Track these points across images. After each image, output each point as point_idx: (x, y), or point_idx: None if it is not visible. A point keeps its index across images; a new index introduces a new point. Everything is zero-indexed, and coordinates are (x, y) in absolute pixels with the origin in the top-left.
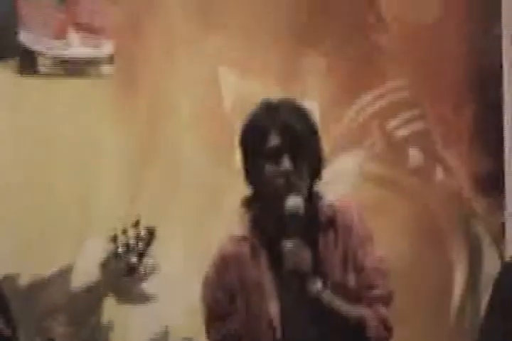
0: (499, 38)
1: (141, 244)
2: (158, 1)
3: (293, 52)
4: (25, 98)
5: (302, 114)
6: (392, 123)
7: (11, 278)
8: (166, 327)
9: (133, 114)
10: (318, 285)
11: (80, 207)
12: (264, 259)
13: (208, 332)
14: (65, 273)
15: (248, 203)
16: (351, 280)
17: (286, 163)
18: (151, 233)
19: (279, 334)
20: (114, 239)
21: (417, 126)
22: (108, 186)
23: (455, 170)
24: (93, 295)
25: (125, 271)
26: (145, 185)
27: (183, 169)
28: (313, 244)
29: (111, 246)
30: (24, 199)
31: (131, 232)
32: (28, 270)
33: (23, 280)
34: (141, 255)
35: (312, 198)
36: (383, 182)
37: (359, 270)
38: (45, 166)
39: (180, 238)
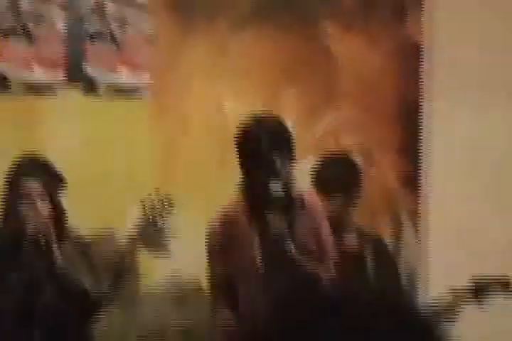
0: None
1: (165, 210)
2: (185, 47)
3: (275, 87)
4: (87, 112)
5: (281, 125)
6: (343, 137)
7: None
8: (180, 272)
9: (162, 125)
10: (291, 246)
11: (127, 184)
12: (254, 222)
13: (208, 268)
14: (113, 231)
15: (242, 185)
16: (312, 245)
17: (268, 161)
18: (171, 202)
19: (262, 276)
20: (147, 205)
21: (360, 140)
22: (146, 171)
23: (385, 170)
24: (131, 249)
25: (153, 231)
26: (171, 171)
27: (200, 160)
28: (286, 215)
29: (144, 211)
30: (91, 179)
31: (159, 201)
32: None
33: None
34: (164, 218)
35: (288, 184)
36: None
37: (318, 239)
38: (104, 159)
39: (196, 205)
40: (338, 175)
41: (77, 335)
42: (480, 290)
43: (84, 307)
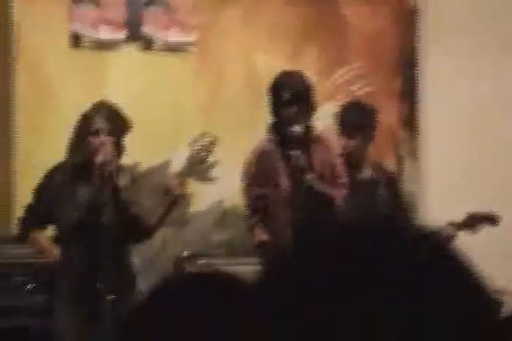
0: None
1: (210, 147)
2: (224, 10)
3: (299, 45)
4: (144, 65)
5: (304, 78)
6: (353, 87)
7: (135, 166)
8: (223, 197)
9: (206, 75)
10: (311, 175)
11: (177, 125)
12: (281, 156)
13: (245, 194)
14: (168, 164)
15: (272, 126)
16: (328, 174)
17: (294, 107)
18: (214, 141)
19: (289, 200)
20: (194, 143)
21: (368, 88)
22: (192, 114)
23: (389, 115)
24: (181, 179)
25: (198, 162)
26: (213, 114)
27: (237, 106)
28: (307, 152)
29: (192, 147)
30: (148, 121)
31: (201, 141)
32: (147, 161)
33: (144, 168)
34: (208, 154)
35: (309, 126)
36: None
37: (331, 168)
38: (157, 104)
39: (234, 142)
40: (358, 118)
41: (125, 256)
42: (473, 224)
43: (137, 230)
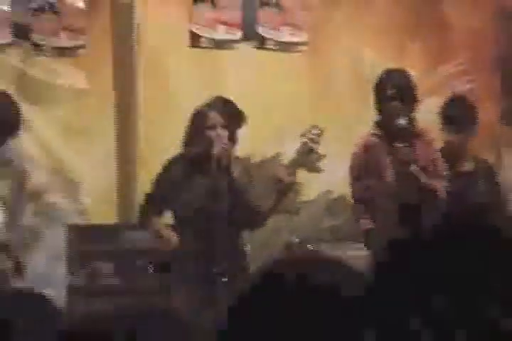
0: None
1: (316, 141)
2: (333, 12)
3: (404, 43)
4: (258, 62)
5: (407, 75)
6: (454, 83)
7: (248, 157)
8: (331, 188)
9: (316, 73)
10: (414, 167)
11: (288, 119)
12: (386, 149)
13: (352, 185)
14: (278, 155)
15: (377, 121)
16: (430, 166)
17: (398, 103)
18: (321, 133)
19: (394, 191)
20: (303, 135)
21: (469, 85)
22: (303, 109)
23: (488, 109)
24: (293, 170)
25: (308, 153)
26: (324, 109)
27: (345, 102)
28: (410, 145)
29: (302, 139)
30: (262, 114)
31: (310, 134)
32: (258, 153)
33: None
34: (316, 146)
35: (412, 121)
36: None
37: (433, 161)
38: (271, 99)
39: (343, 135)
40: (461, 113)
41: (238, 242)
42: None
43: (251, 217)
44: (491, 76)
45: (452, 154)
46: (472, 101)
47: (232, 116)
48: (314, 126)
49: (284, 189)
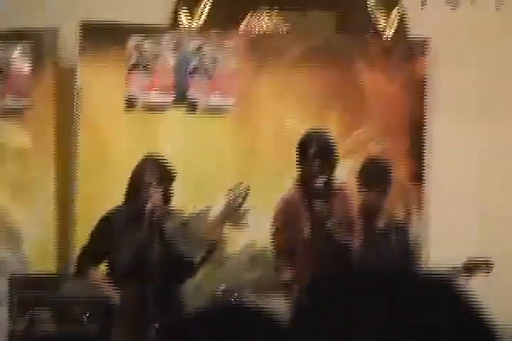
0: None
1: (245, 197)
2: (258, 78)
3: (323, 110)
4: (189, 125)
5: (328, 136)
6: (368, 146)
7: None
8: (254, 240)
9: (243, 135)
10: (330, 223)
11: (216, 177)
12: (305, 205)
13: (273, 238)
14: (207, 210)
15: (298, 178)
16: (345, 223)
17: (318, 162)
18: (248, 190)
19: (310, 244)
20: (230, 192)
21: (382, 147)
22: (230, 168)
23: (399, 170)
24: (219, 225)
25: (235, 209)
26: (249, 168)
27: (270, 161)
28: (328, 202)
29: (230, 198)
30: (191, 174)
31: (237, 190)
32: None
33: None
34: (242, 201)
35: (331, 179)
36: None
37: (349, 218)
38: (200, 159)
39: (264, 194)
40: (377, 174)
41: (173, 292)
42: (470, 269)
43: (182, 269)
44: (401, 139)
45: (368, 212)
46: (387, 162)
47: (164, 173)
48: (240, 183)
49: (214, 243)
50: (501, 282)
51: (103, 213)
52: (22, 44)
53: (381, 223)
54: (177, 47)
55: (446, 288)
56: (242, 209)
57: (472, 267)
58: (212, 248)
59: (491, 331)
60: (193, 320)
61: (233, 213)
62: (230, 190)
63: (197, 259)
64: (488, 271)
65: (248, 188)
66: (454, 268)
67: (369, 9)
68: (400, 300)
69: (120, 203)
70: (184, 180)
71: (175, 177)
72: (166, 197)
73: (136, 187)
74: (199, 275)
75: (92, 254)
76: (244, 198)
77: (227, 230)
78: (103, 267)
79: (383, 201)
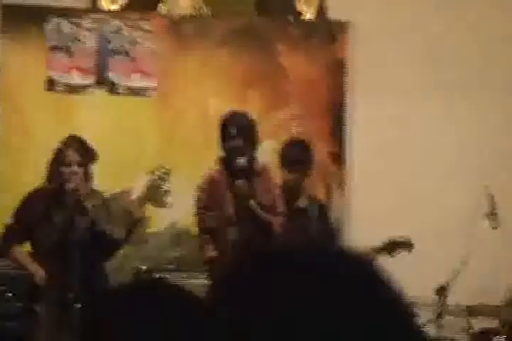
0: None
1: (166, 176)
2: (180, 59)
3: (244, 91)
4: (110, 106)
5: (248, 117)
6: (289, 127)
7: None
8: (177, 219)
9: (164, 116)
10: (252, 202)
11: (137, 158)
12: (227, 184)
13: (196, 217)
14: (128, 190)
15: (221, 159)
16: (268, 202)
17: (239, 141)
18: (168, 171)
19: (233, 223)
20: (152, 173)
21: (303, 128)
22: (151, 148)
23: (320, 151)
24: (140, 204)
25: (155, 190)
26: (171, 149)
27: (191, 142)
28: (250, 182)
29: (150, 177)
30: (112, 153)
31: (157, 173)
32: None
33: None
34: (163, 183)
35: (252, 159)
36: None
37: (271, 197)
38: (121, 139)
39: (188, 172)
40: (298, 154)
41: (96, 269)
42: (391, 249)
43: (105, 246)
44: (322, 120)
45: (289, 192)
46: (308, 143)
47: (85, 153)
48: (161, 165)
49: (135, 222)
50: (419, 260)
51: (27, 192)
52: None
53: (303, 202)
54: (97, 29)
55: (363, 265)
56: (163, 190)
57: (393, 247)
58: (134, 226)
59: (407, 307)
60: (113, 296)
61: (154, 194)
62: (151, 172)
63: (120, 237)
64: (408, 251)
65: (169, 170)
66: (374, 248)
67: None
68: (321, 278)
69: (42, 182)
70: (105, 160)
71: (96, 157)
72: (87, 177)
73: (57, 166)
74: (122, 255)
75: (15, 233)
76: (164, 180)
77: (149, 210)
78: (27, 246)
79: (304, 181)
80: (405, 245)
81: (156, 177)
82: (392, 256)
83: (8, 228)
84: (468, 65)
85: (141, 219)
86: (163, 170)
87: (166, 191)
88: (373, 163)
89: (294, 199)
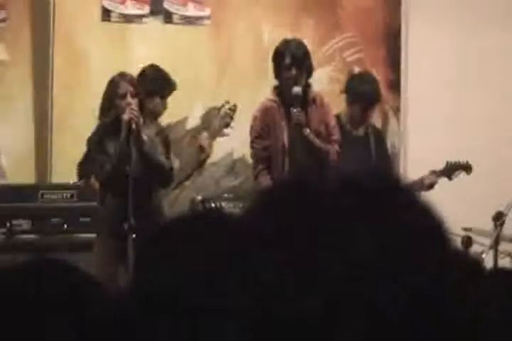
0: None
1: (229, 113)
2: None
3: (299, 19)
4: (166, 35)
5: (303, 45)
6: (346, 53)
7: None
8: (230, 151)
9: (219, 45)
10: (308, 131)
11: (193, 87)
12: (282, 113)
13: (252, 145)
14: (184, 120)
15: (275, 88)
16: (323, 130)
17: (294, 70)
18: (234, 109)
19: (286, 154)
20: (218, 110)
21: (358, 56)
22: (206, 77)
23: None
24: (195, 132)
25: (224, 126)
26: (225, 77)
27: (245, 70)
28: (305, 110)
29: (217, 116)
30: None
31: (226, 108)
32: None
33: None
34: (230, 120)
35: (307, 88)
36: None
37: (327, 125)
38: (177, 69)
39: (244, 101)
40: (365, 87)
41: (152, 200)
42: (449, 172)
43: (161, 177)
44: (377, 47)
45: (350, 121)
46: (374, 77)
47: (162, 83)
48: (227, 102)
49: (205, 158)
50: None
51: (79, 124)
52: None
53: (360, 132)
54: None
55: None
56: (221, 118)
57: (451, 170)
58: (204, 161)
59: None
60: (168, 226)
61: (220, 130)
62: (218, 108)
63: (186, 172)
64: (467, 173)
65: (234, 108)
66: (433, 172)
67: None
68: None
69: (96, 114)
70: None
71: (174, 86)
72: (143, 107)
73: (112, 98)
74: (177, 185)
75: (87, 163)
76: (232, 117)
77: (205, 140)
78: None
79: (367, 113)
80: (464, 167)
81: (224, 115)
82: (450, 179)
83: (84, 157)
84: None
85: (199, 149)
86: (229, 106)
87: (224, 121)
88: (430, 89)
89: (353, 128)
